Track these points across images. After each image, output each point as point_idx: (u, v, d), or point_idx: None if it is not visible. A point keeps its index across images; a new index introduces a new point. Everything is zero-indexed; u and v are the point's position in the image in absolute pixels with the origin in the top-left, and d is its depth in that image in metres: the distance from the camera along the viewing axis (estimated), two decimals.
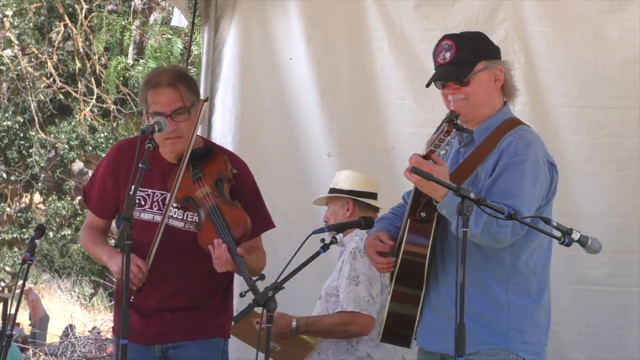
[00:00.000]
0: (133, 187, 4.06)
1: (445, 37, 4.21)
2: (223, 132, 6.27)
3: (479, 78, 4.12)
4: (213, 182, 4.48)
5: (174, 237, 4.47)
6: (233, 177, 4.56)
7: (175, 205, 4.51)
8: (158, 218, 4.48)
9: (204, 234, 4.44)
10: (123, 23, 16.96)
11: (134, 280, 4.34)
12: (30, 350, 17.78)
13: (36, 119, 19.87)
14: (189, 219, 4.51)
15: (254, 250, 4.52)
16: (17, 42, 19.45)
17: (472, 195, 3.70)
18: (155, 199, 4.53)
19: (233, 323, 4.71)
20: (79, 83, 18.91)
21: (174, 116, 4.46)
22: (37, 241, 4.52)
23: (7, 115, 21.21)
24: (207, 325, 4.57)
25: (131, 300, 4.31)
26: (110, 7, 18.16)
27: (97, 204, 4.68)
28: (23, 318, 21.82)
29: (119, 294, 4.56)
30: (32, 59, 19.76)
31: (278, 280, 4.03)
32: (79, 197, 20.90)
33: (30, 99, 19.66)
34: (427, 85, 4.18)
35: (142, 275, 4.38)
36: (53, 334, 20.57)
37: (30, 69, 19.44)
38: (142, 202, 4.51)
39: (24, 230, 23.06)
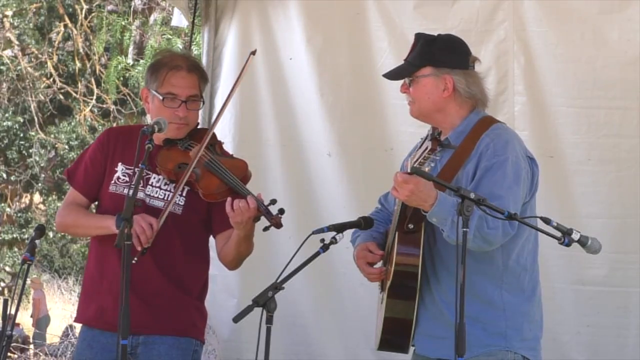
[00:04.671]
0: (132, 187, 4.05)
1: (415, 34, 4.26)
2: (223, 132, 6.26)
3: (423, 83, 4.16)
4: (204, 142, 4.48)
5: (154, 216, 4.39)
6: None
7: (164, 185, 4.49)
8: (141, 195, 4.44)
9: (205, 184, 4.40)
10: (123, 23, 16.98)
11: (141, 236, 4.26)
12: (31, 350, 17.80)
13: (36, 119, 19.89)
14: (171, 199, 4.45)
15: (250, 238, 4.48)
16: (17, 42, 19.47)
17: (472, 196, 3.72)
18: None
19: None
20: (79, 83, 18.93)
21: (188, 103, 4.47)
22: (37, 241, 4.50)
23: (7, 115, 21.24)
24: (181, 323, 4.48)
25: (134, 261, 4.16)
26: (110, 7, 18.17)
27: (82, 182, 4.60)
28: (23, 318, 21.83)
29: (91, 281, 4.53)
30: (32, 59, 19.78)
31: (278, 280, 4.03)
32: None
33: (30, 99, 19.69)
34: (386, 77, 4.34)
35: (151, 234, 4.30)
36: (53, 334, 20.59)
37: (30, 69, 19.46)
38: (127, 179, 4.48)
39: (24, 230, 23.10)
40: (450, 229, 3.87)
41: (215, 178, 4.40)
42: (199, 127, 4.67)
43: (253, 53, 4.55)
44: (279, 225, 4.27)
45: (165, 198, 4.47)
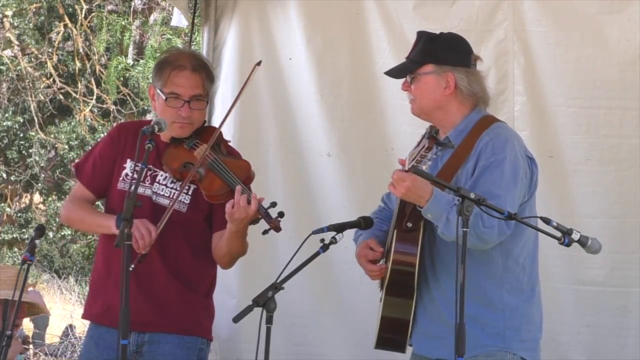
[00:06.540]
0: (132, 188, 4.05)
1: (417, 32, 4.26)
2: (223, 131, 6.26)
3: (425, 80, 4.16)
4: (210, 144, 4.48)
5: (160, 213, 4.41)
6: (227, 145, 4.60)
7: (171, 183, 4.49)
8: (149, 192, 4.46)
9: (207, 184, 4.40)
10: (123, 23, 16.98)
11: (140, 242, 4.25)
12: (31, 350, 17.78)
13: (36, 119, 19.87)
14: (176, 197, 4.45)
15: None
16: (17, 42, 19.45)
17: (473, 196, 3.72)
18: (147, 174, 4.50)
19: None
20: (79, 83, 18.91)
21: (191, 102, 4.47)
22: (37, 241, 4.51)
23: (7, 115, 21.21)
24: (187, 321, 4.48)
25: (131, 268, 4.11)
26: (110, 7, 18.16)
27: (89, 177, 4.61)
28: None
29: (98, 278, 4.54)
30: (32, 59, 19.76)
31: (278, 280, 4.03)
32: None
33: (30, 99, 19.67)
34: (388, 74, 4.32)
35: (150, 241, 4.29)
36: (53, 334, 20.56)
37: (30, 69, 19.44)
38: (135, 176, 4.46)
39: (24, 230, 23.06)
40: (445, 226, 3.88)
41: (218, 179, 4.40)
42: (205, 125, 4.68)
43: (258, 64, 4.54)
44: (277, 228, 4.26)
45: (171, 196, 4.48)
